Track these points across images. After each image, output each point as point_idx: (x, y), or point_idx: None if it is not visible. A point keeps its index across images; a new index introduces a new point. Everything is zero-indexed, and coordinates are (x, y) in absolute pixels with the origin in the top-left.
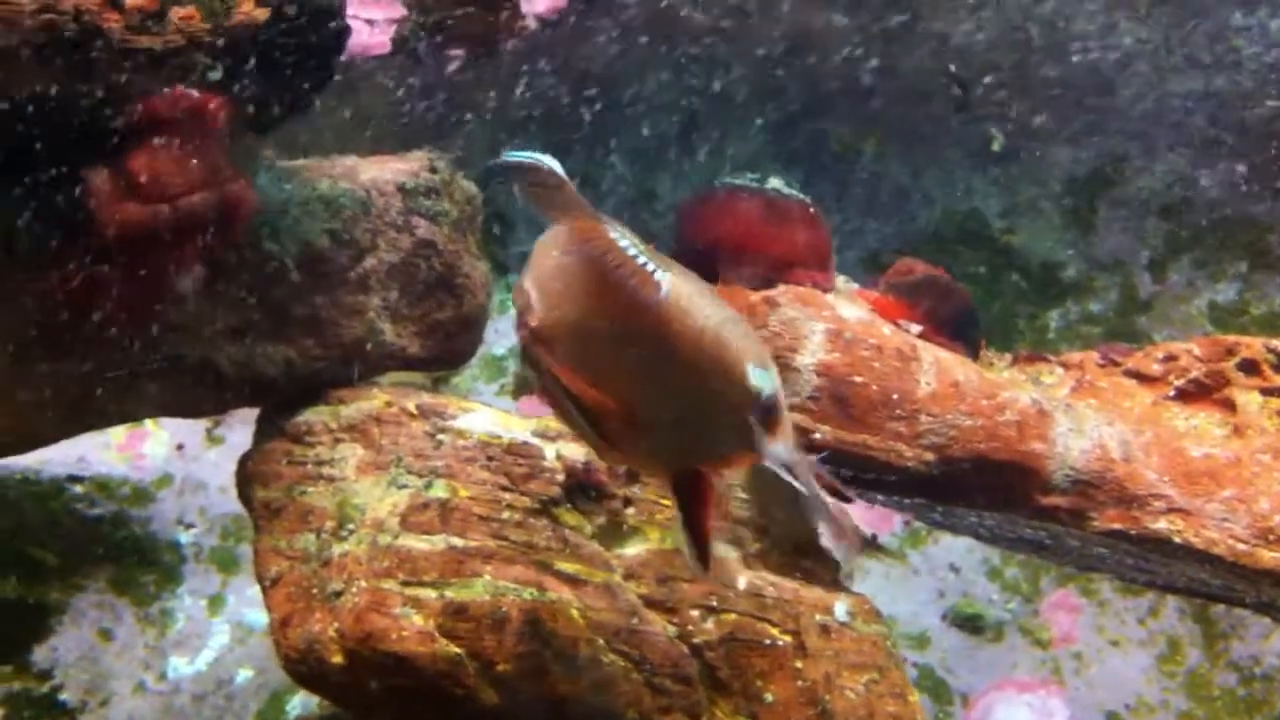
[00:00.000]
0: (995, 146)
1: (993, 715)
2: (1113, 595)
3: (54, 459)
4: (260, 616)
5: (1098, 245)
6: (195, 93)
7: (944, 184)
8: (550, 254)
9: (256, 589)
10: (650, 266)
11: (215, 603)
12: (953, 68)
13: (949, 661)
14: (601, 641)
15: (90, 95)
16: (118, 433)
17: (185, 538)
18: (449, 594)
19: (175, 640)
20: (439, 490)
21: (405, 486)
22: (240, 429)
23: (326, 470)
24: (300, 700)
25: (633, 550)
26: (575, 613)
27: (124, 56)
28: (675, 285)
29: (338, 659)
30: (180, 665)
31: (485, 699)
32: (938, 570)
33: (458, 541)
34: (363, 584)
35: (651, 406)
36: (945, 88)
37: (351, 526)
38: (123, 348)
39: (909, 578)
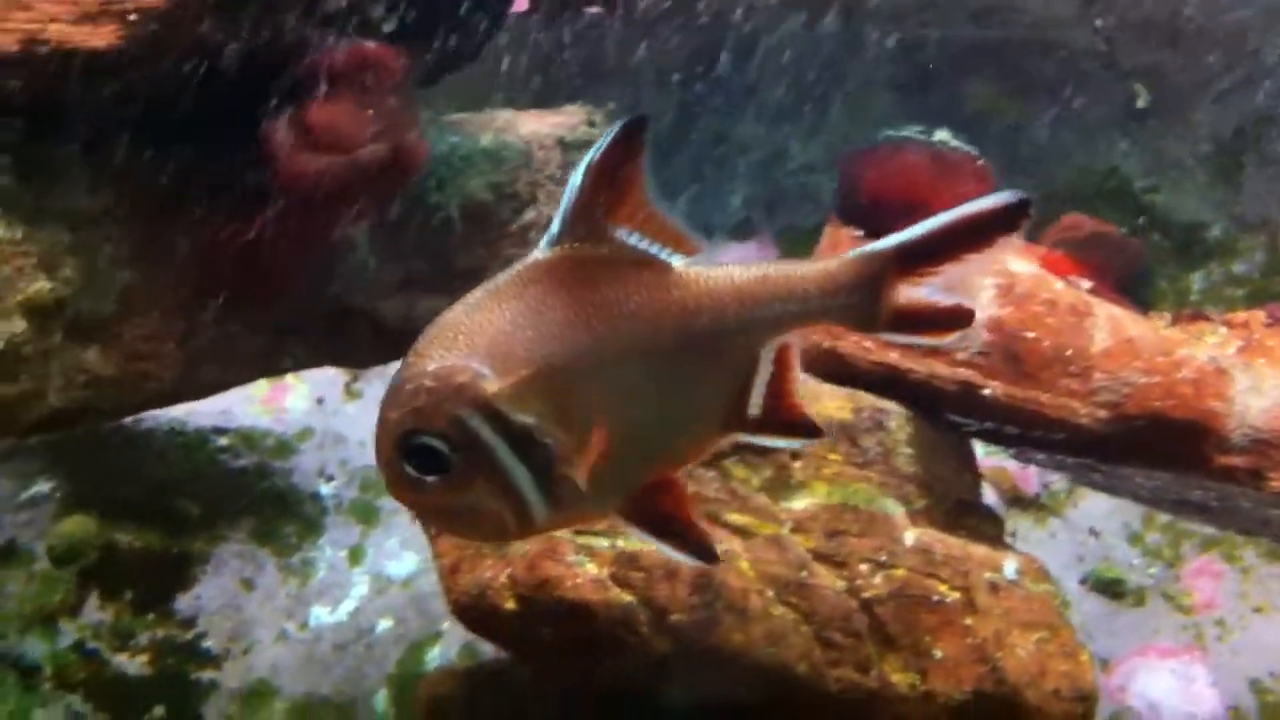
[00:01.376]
0: (1140, 103)
1: (1134, 681)
2: (1257, 561)
3: (200, 411)
4: (400, 569)
5: (1243, 205)
6: (373, 45)
7: (1085, 142)
8: (496, 311)
9: (396, 541)
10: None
11: (355, 554)
12: (1099, 23)
13: (1089, 626)
14: (771, 594)
15: (270, 48)
16: (260, 386)
17: (326, 490)
18: (620, 543)
19: (316, 590)
20: None
21: None
22: (377, 383)
23: None
24: (439, 651)
25: (800, 504)
26: (745, 564)
27: (304, 9)
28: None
29: (510, 605)
30: (321, 615)
31: (657, 648)
32: (1077, 534)
33: None
34: None
35: (637, 423)
36: (1090, 43)
37: None
38: (292, 297)
39: (1047, 541)
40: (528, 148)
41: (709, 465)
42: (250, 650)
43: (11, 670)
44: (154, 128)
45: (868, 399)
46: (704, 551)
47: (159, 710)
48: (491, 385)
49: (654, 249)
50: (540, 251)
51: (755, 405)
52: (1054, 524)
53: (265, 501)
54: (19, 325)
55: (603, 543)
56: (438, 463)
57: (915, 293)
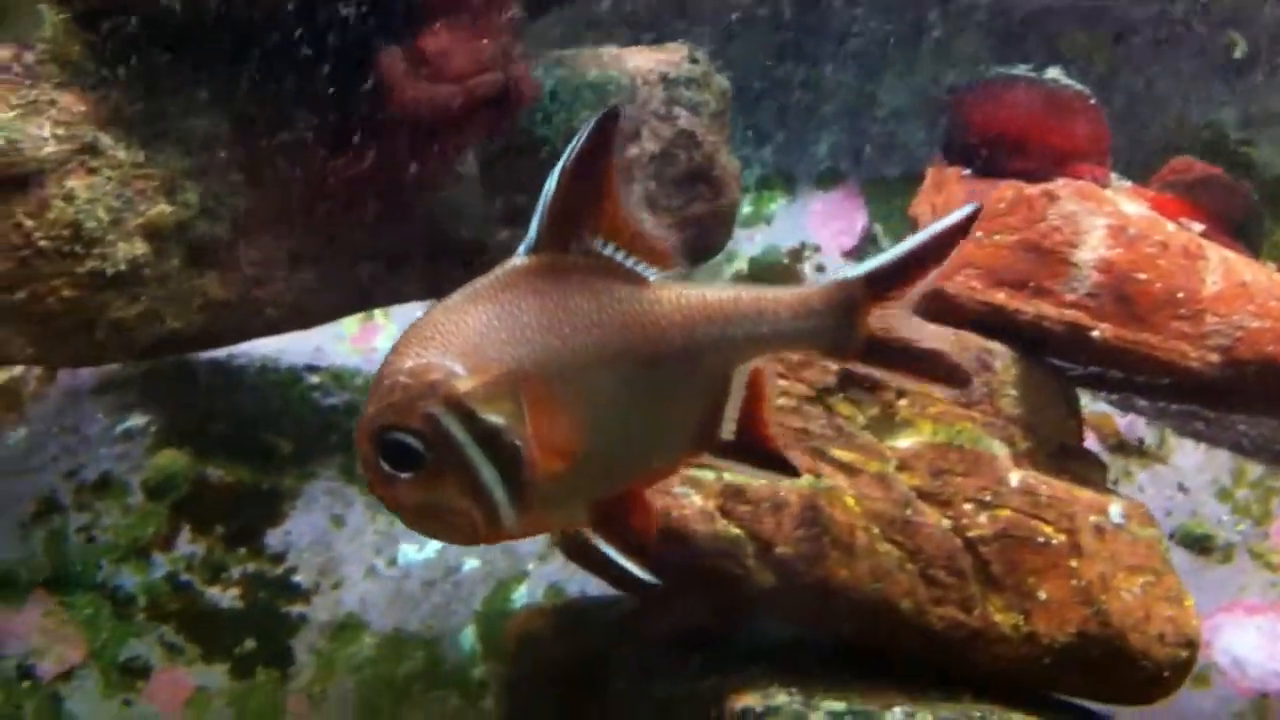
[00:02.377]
0: (1237, 54)
1: (1220, 637)
2: None
3: (291, 349)
4: None
5: None
6: None
7: (1180, 92)
8: (472, 313)
9: None
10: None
11: None
12: None
13: None
14: (877, 530)
15: None
16: (350, 325)
17: None
18: (727, 477)
19: (404, 528)
20: None
21: None
22: None
23: None
24: (525, 590)
25: (905, 442)
26: (851, 500)
27: None
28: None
29: None
30: (410, 552)
31: (762, 581)
32: (1165, 489)
33: None
34: None
35: (606, 433)
36: None
37: None
38: (400, 227)
39: (1134, 496)
40: (632, 83)
41: (815, 401)
42: (340, 585)
43: (107, 600)
44: (271, 55)
45: (973, 339)
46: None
47: (250, 643)
48: (463, 384)
49: (630, 261)
50: (518, 257)
51: (728, 429)
52: (1142, 479)
53: (354, 440)
54: (140, 247)
55: (708, 475)
56: (411, 458)
57: (907, 329)
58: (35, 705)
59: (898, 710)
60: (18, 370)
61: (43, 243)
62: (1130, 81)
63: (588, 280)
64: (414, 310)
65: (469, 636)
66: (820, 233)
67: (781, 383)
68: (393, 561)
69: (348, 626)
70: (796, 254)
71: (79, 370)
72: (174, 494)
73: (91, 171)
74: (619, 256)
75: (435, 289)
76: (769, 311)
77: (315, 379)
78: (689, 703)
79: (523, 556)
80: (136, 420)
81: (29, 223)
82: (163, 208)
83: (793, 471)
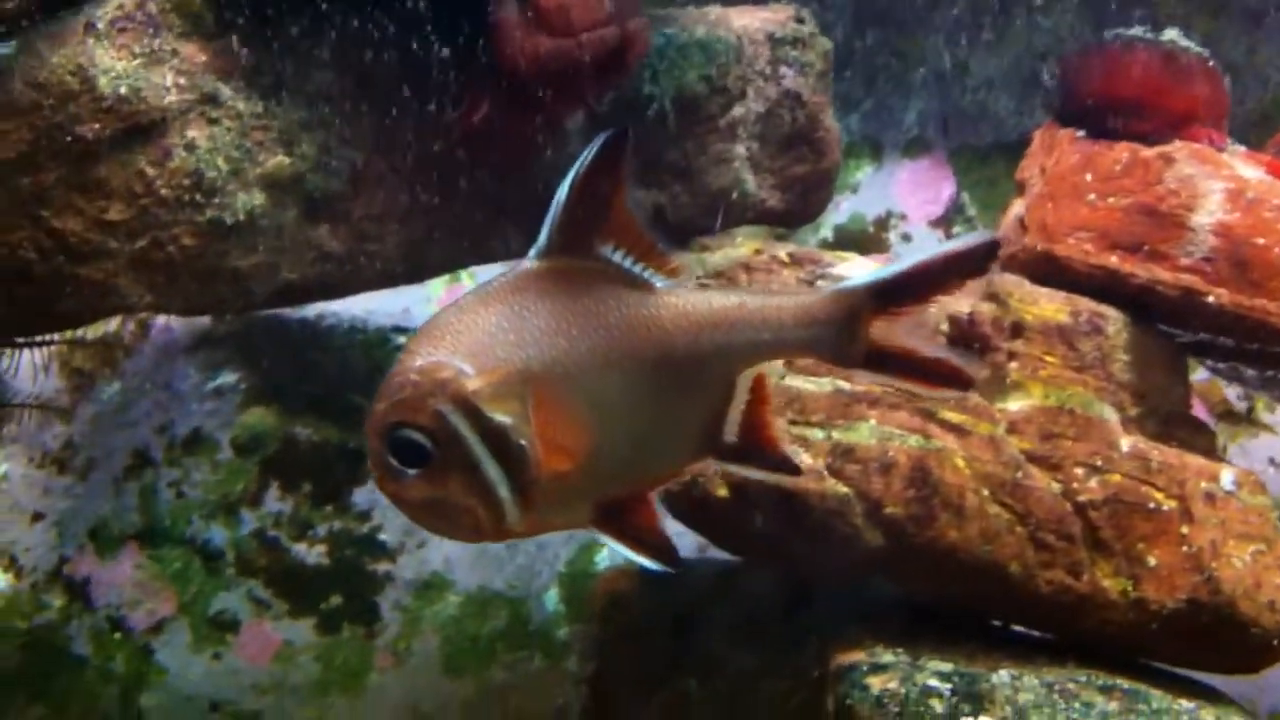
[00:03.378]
0: None
1: None
2: None
3: (379, 310)
4: None
5: None
6: None
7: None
8: (482, 314)
9: None
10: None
11: None
12: None
13: None
14: (986, 493)
15: None
16: (437, 286)
17: None
18: (836, 435)
19: None
20: None
21: None
22: None
23: None
24: (608, 552)
25: (1015, 405)
26: (960, 462)
27: None
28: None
29: (722, 493)
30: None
31: (870, 540)
32: (1256, 464)
33: (844, 385)
34: None
35: (611, 435)
36: None
37: None
38: (509, 183)
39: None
40: (739, 42)
41: None
42: (424, 545)
43: (197, 555)
44: (389, 8)
45: (1085, 302)
46: (668, 558)
47: (336, 599)
48: (472, 383)
49: (637, 268)
50: (529, 261)
51: (731, 432)
52: (1232, 453)
53: None
54: (258, 198)
55: (818, 434)
56: (419, 455)
57: (912, 340)
58: (126, 656)
59: (1004, 673)
60: (113, 325)
61: (164, 191)
62: (1230, 53)
63: (596, 285)
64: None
65: (552, 597)
66: (907, 201)
67: None
68: None
69: (433, 585)
70: (882, 222)
71: (172, 327)
72: (262, 451)
73: (212, 122)
74: (627, 264)
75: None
76: (772, 319)
77: (402, 339)
78: (789, 661)
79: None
80: (227, 378)
81: (151, 171)
82: (281, 159)
83: (795, 471)
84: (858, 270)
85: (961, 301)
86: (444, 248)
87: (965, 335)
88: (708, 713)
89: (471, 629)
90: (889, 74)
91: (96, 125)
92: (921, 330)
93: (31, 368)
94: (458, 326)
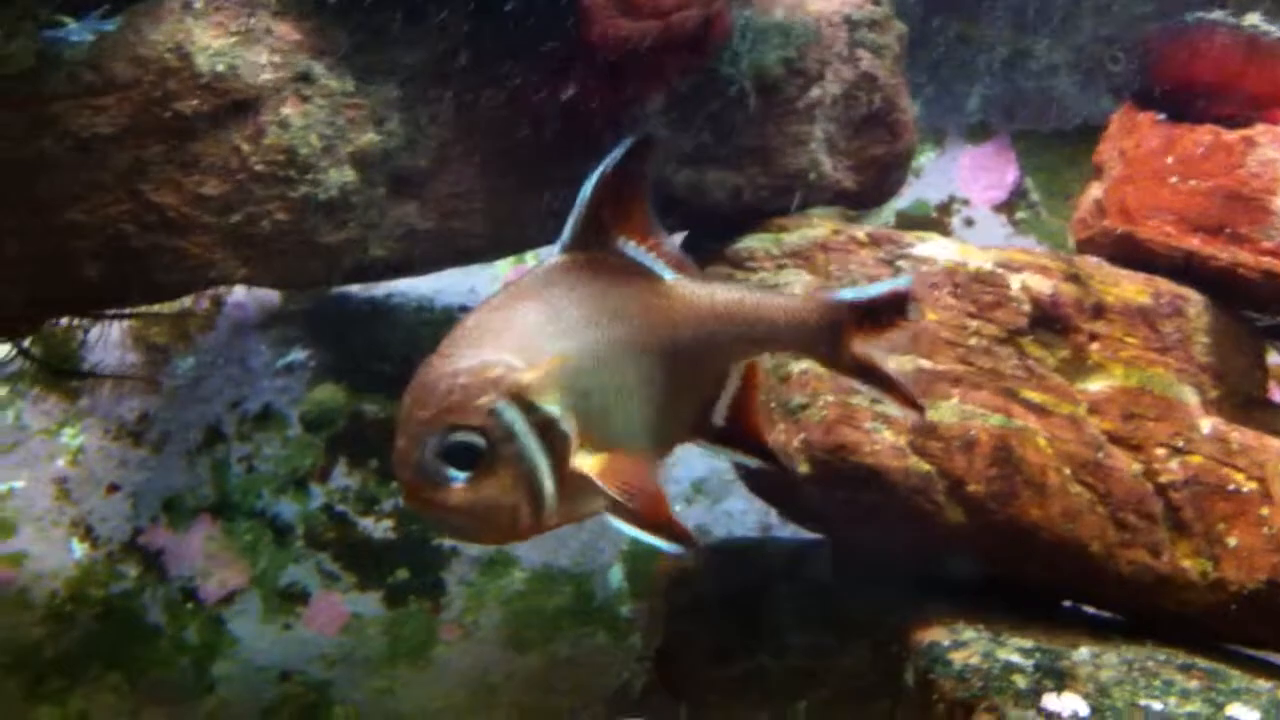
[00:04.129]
0: None
1: None
2: None
3: (446, 289)
4: None
5: None
6: None
7: None
8: (519, 310)
9: None
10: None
11: None
12: None
13: None
14: (1068, 472)
15: None
16: (503, 265)
17: None
18: None
19: None
20: None
21: None
22: None
23: None
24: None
25: (1096, 385)
26: (1042, 441)
27: None
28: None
29: (804, 469)
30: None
31: (951, 518)
32: None
33: (926, 363)
34: (830, 398)
35: (629, 421)
36: None
37: None
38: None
39: None
40: (816, 24)
41: (1005, 342)
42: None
43: (267, 528)
44: None
45: (1166, 284)
46: (686, 540)
47: (402, 573)
48: (525, 375)
49: (649, 260)
50: (555, 256)
51: (720, 416)
52: None
53: None
54: (349, 174)
55: (900, 412)
56: (469, 458)
57: (883, 359)
58: (199, 626)
59: (1084, 650)
60: (187, 302)
61: (259, 167)
62: None
63: (616, 277)
64: None
65: (616, 574)
66: (970, 186)
67: (972, 322)
68: None
69: (497, 561)
70: (945, 207)
71: (245, 304)
72: (331, 428)
73: (304, 99)
74: (640, 257)
75: None
76: (767, 316)
77: None
78: (863, 638)
79: (670, 498)
80: (297, 355)
81: (246, 147)
82: (371, 136)
83: (774, 460)
84: (940, 250)
85: (1044, 282)
86: (524, 226)
87: (1047, 316)
88: (781, 687)
89: (536, 604)
90: (952, 59)
91: (194, 102)
92: (897, 348)
93: (105, 342)
94: (496, 324)
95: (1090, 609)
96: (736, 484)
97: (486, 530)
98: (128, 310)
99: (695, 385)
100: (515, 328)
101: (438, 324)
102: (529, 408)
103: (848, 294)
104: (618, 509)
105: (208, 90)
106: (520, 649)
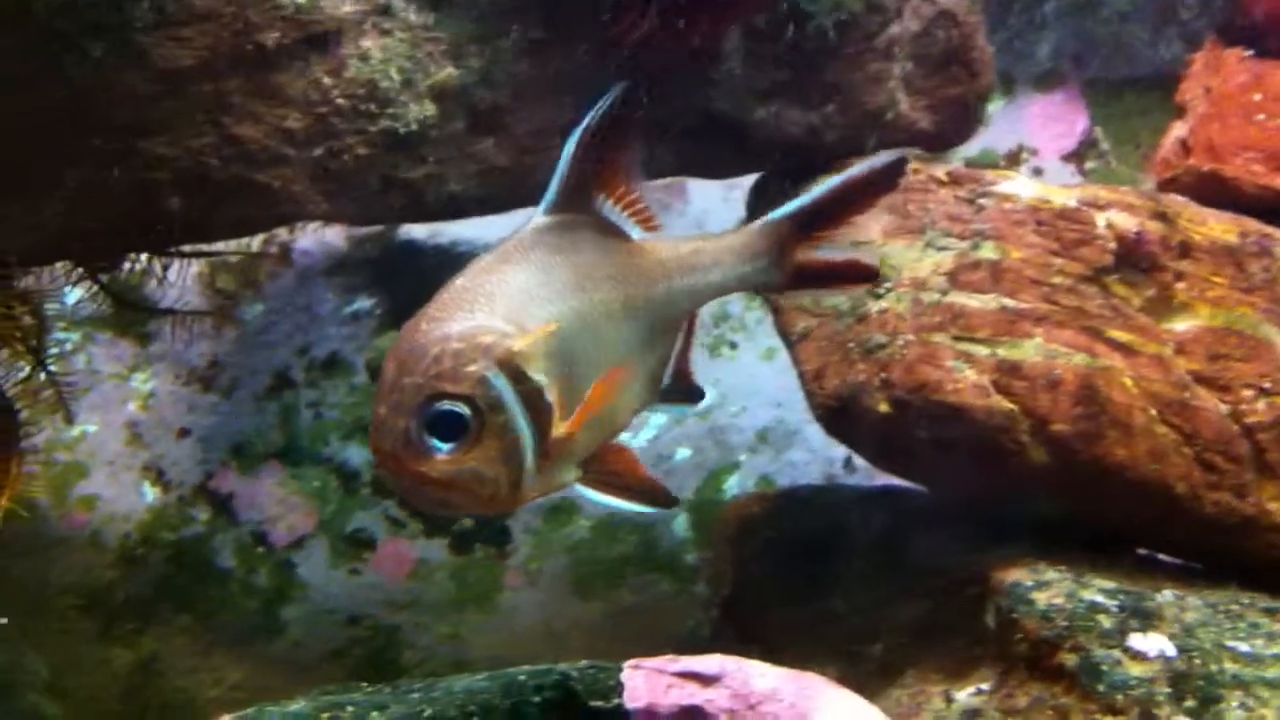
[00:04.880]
0: None
1: None
2: None
3: None
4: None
5: None
6: None
7: None
8: (507, 274)
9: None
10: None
11: None
12: None
13: None
14: (1154, 412)
15: None
16: None
17: None
18: (1001, 352)
19: None
20: (988, 251)
21: (945, 249)
22: (678, 221)
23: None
24: (736, 480)
25: (1182, 325)
26: (1128, 381)
27: None
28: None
29: (884, 408)
30: (624, 439)
31: (1034, 458)
32: None
33: (1009, 302)
34: (910, 337)
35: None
36: None
37: (888, 285)
38: (667, 101)
39: None
40: None
41: (1090, 281)
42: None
43: (334, 474)
44: None
45: (1253, 224)
46: (662, 498)
47: (468, 521)
48: (517, 343)
49: (622, 218)
50: (539, 217)
51: (668, 374)
52: None
53: None
54: (429, 109)
55: (982, 350)
56: (455, 428)
57: (827, 254)
58: (269, 570)
59: (1167, 592)
60: (256, 247)
61: (340, 100)
62: None
63: (595, 238)
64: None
65: (681, 523)
66: (1039, 135)
67: (1056, 260)
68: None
69: (562, 510)
70: (1013, 156)
71: (311, 250)
72: None
73: (384, 33)
74: (614, 215)
75: (695, 165)
76: (724, 259)
77: None
78: (943, 579)
79: (734, 448)
80: (364, 302)
81: (327, 80)
82: (450, 71)
83: (700, 398)
84: (1023, 188)
85: (1129, 220)
86: None
87: (1132, 254)
88: (854, 630)
89: (601, 553)
90: (1022, 6)
91: (276, 34)
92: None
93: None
94: (486, 288)
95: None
96: (800, 434)
97: (463, 503)
98: (204, 249)
99: (662, 343)
100: (504, 292)
101: None
102: (518, 376)
103: (787, 208)
104: (592, 480)
105: (289, 22)
106: (585, 596)
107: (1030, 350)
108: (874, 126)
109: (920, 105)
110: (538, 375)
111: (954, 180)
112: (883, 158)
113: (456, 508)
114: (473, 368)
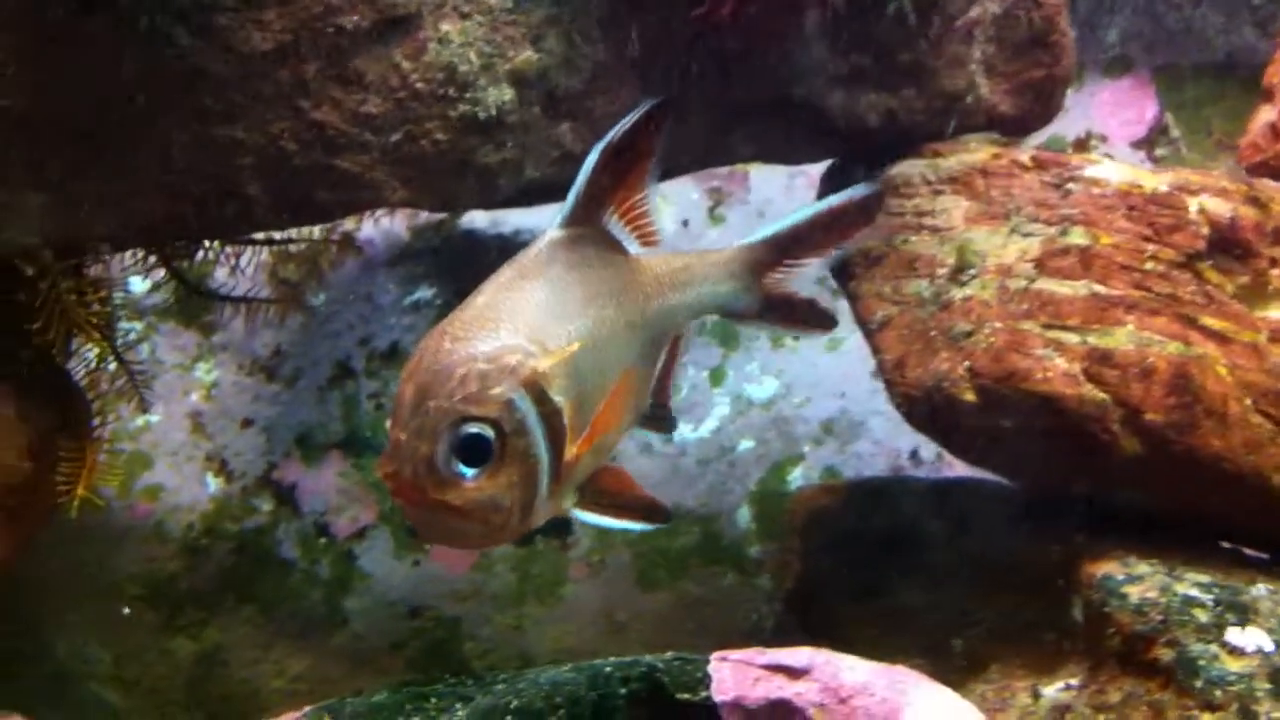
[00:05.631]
0: None
1: None
2: None
3: None
4: (760, 392)
5: None
6: None
7: None
8: (527, 291)
9: (755, 365)
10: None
11: (717, 375)
12: None
13: None
14: (1249, 401)
15: None
16: None
17: None
18: (1091, 340)
19: (680, 408)
20: (1077, 237)
21: (1031, 235)
22: (739, 210)
23: (928, 221)
24: (800, 472)
25: (1277, 313)
26: (1223, 369)
27: None
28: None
29: (969, 397)
30: (685, 431)
31: (1127, 448)
32: None
33: (1100, 289)
34: (998, 325)
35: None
36: None
37: (972, 272)
38: (745, 85)
39: None
40: None
41: (1183, 267)
42: (614, 460)
43: None
44: None
45: None
46: (658, 513)
47: None
48: (541, 363)
49: (624, 235)
50: (554, 230)
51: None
52: None
53: None
54: (507, 93)
55: (1073, 338)
56: (480, 453)
57: (795, 286)
58: (331, 560)
59: (1261, 586)
60: (317, 236)
61: (419, 85)
62: None
63: (599, 254)
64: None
65: (744, 515)
66: (1108, 122)
67: (1149, 246)
68: (668, 440)
69: None
70: (1082, 144)
71: (374, 240)
72: None
73: (464, 16)
74: (617, 229)
75: (771, 151)
76: (711, 276)
77: None
78: (1026, 573)
79: (798, 439)
80: (424, 293)
81: (406, 64)
82: (529, 55)
83: (673, 428)
84: (1112, 172)
85: (1223, 205)
86: (676, 150)
87: (1226, 240)
88: (932, 624)
89: (663, 545)
90: None
91: (355, 17)
92: (804, 277)
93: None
94: (508, 306)
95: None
96: (865, 425)
97: (475, 533)
98: (276, 237)
99: (654, 359)
100: (525, 309)
101: None
102: (540, 398)
103: (763, 234)
104: (588, 502)
105: (368, 4)
106: (648, 588)
107: (1122, 338)
108: (953, 110)
109: (1001, 89)
110: (557, 396)
111: (1039, 164)
112: (860, 190)
113: (465, 538)
114: (498, 390)
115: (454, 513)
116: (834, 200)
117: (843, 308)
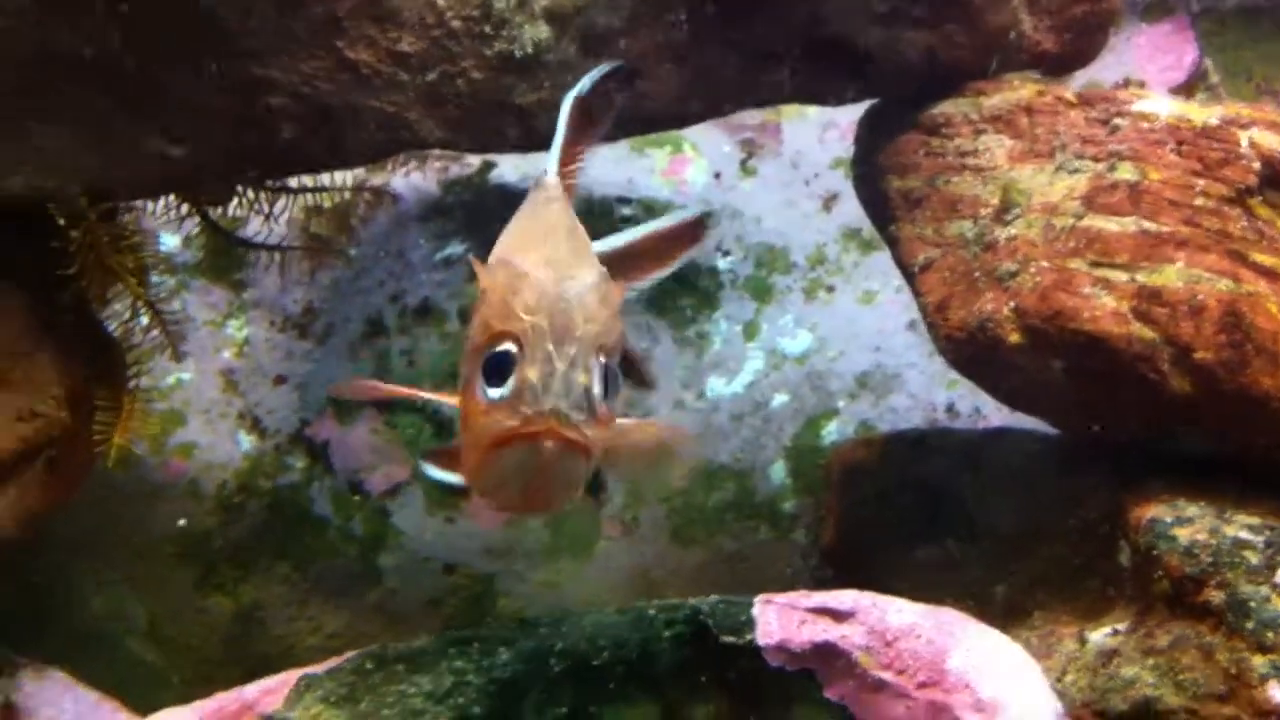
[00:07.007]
0: None
1: None
2: None
3: (604, 180)
4: (794, 346)
5: None
6: None
7: None
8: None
9: (790, 319)
10: None
11: (750, 329)
12: None
13: None
14: None
15: None
16: (661, 157)
17: (723, 264)
18: (1140, 278)
19: (712, 362)
20: (1126, 172)
21: (1078, 171)
22: (772, 162)
23: (971, 160)
24: (835, 427)
25: None
26: (1274, 307)
27: None
28: None
29: (1015, 338)
30: (718, 386)
31: (1176, 387)
32: None
33: (1149, 225)
34: (1044, 264)
35: None
36: None
37: (1017, 211)
38: (779, 22)
39: None
40: None
41: (1234, 203)
42: (649, 414)
43: (429, 423)
44: None
45: None
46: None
47: None
48: (619, 291)
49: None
50: (551, 177)
51: None
52: None
53: None
54: (543, 31)
55: (1121, 276)
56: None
57: None
58: (364, 517)
59: None
60: (348, 192)
61: (455, 22)
62: None
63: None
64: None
65: (779, 471)
66: (1146, 68)
67: (1198, 181)
68: (701, 395)
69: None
70: (1119, 89)
71: (404, 196)
72: None
73: None
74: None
75: (801, 91)
76: None
77: (627, 210)
78: (1070, 520)
79: (833, 393)
80: (455, 248)
81: (442, 2)
82: None
83: None
84: (1161, 106)
85: (1275, 138)
86: (712, 90)
87: (1278, 174)
88: (974, 573)
89: (698, 500)
90: None
91: None
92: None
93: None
94: (570, 245)
95: None
96: (900, 378)
97: (578, 479)
98: (309, 184)
99: None
100: (585, 248)
101: (596, 215)
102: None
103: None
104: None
105: None
106: (683, 544)
107: (1172, 275)
108: (996, 48)
109: (1044, 26)
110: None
111: (1085, 101)
112: (688, 212)
113: (569, 488)
114: (616, 323)
115: (583, 453)
116: (662, 223)
117: (876, 260)
